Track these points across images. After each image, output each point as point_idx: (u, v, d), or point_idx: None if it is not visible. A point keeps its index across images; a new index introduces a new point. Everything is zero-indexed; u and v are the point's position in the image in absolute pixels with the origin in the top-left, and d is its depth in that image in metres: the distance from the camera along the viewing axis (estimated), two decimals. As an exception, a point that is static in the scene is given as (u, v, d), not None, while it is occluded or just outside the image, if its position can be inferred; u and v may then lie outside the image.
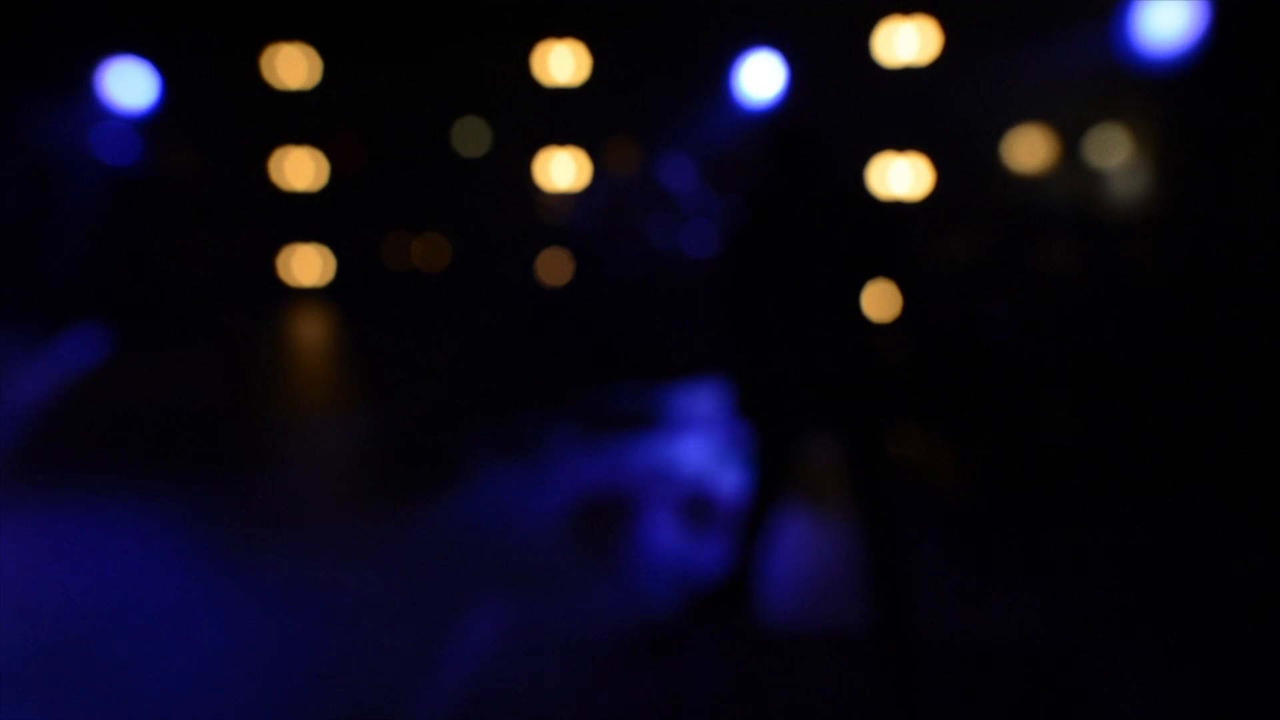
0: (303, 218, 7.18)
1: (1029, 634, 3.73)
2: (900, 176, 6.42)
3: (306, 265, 7.41)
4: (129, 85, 6.78)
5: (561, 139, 6.98)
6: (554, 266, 7.08)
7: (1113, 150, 6.32)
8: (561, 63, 6.76)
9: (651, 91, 6.67)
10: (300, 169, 7.12)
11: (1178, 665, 3.51)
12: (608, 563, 4.29)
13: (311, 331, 7.45)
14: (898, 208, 6.27)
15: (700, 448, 5.50)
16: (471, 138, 7.13)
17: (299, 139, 7.09)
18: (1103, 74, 6.07)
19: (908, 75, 6.31)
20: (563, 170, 7.00)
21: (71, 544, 4.29)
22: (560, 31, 6.66)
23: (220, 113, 7.00)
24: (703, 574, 4.03)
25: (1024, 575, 4.20)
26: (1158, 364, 5.31)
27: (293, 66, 6.97)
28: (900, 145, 6.40)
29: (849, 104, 6.18)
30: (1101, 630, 3.75)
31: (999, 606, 3.95)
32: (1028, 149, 6.39)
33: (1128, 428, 5.12)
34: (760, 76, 6.51)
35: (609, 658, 3.55)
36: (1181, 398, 5.12)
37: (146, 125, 6.86)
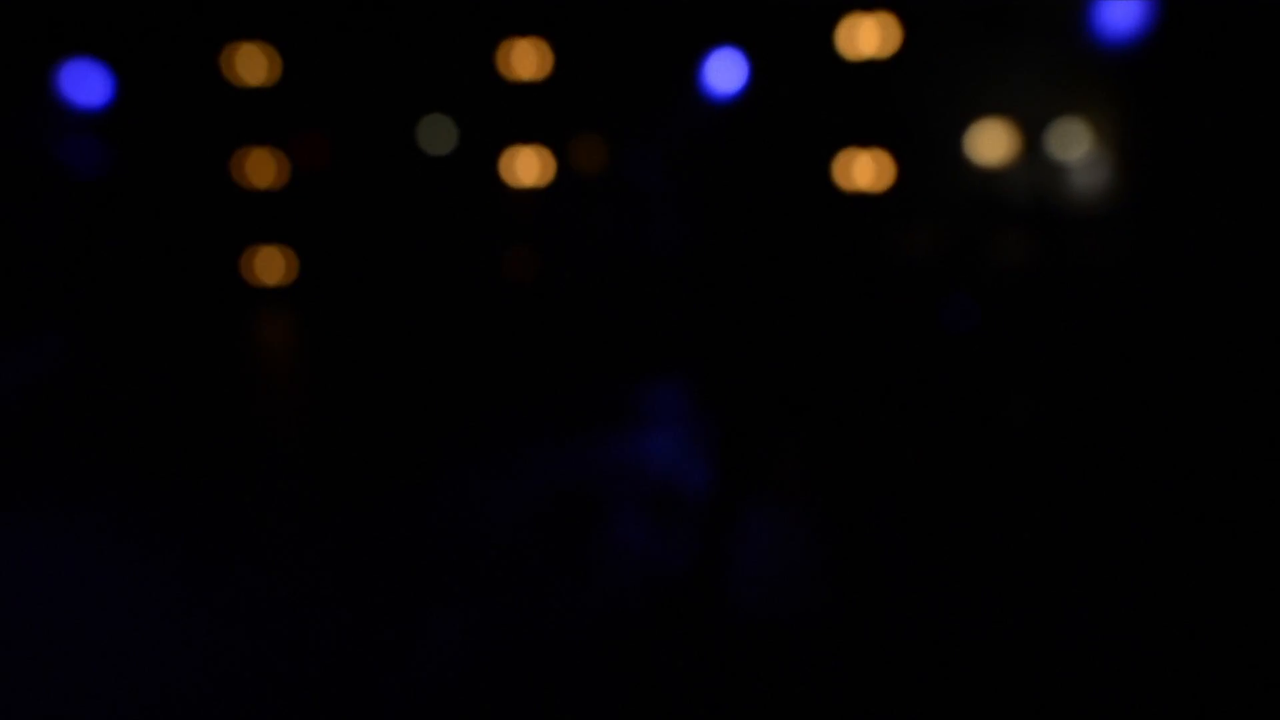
0: (266, 217, 7.14)
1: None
2: (863, 170, 6.46)
3: (270, 266, 7.38)
4: (84, 85, 6.74)
5: (527, 136, 6.98)
6: (520, 264, 7.08)
7: (1075, 143, 6.36)
8: (526, 59, 6.76)
9: (617, 88, 6.67)
10: (261, 168, 7.10)
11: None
12: (576, 560, 4.30)
13: (275, 333, 7.42)
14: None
15: (668, 443, 5.52)
16: (438, 135, 7.12)
17: (260, 138, 7.06)
18: (1065, 66, 6.11)
19: (869, 69, 6.34)
20: (529, 167, 7.00)
21: (23, 554, 4.26)
22: (524, 28, 6.66)
23: (178, 111, 6.95)
24: (671, 570, 4.04)
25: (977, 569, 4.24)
26: (1123, 355, 5.36)
27: (253, 64, 6.95)
28: (862, 139, 6.43)
29: (811, 98, 6.21)
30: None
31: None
32: (990, 142, 6.43)
33: (1092, 419, 5.16)
34: (725, 72, 6.53)
35: (578, 655, 3.56)
36: (1151, 390, 5.16)
37: (103, 125, 6.82)
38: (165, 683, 3.26)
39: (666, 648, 3.49)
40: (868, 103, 6.38)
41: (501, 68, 6.74)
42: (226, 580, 3.99)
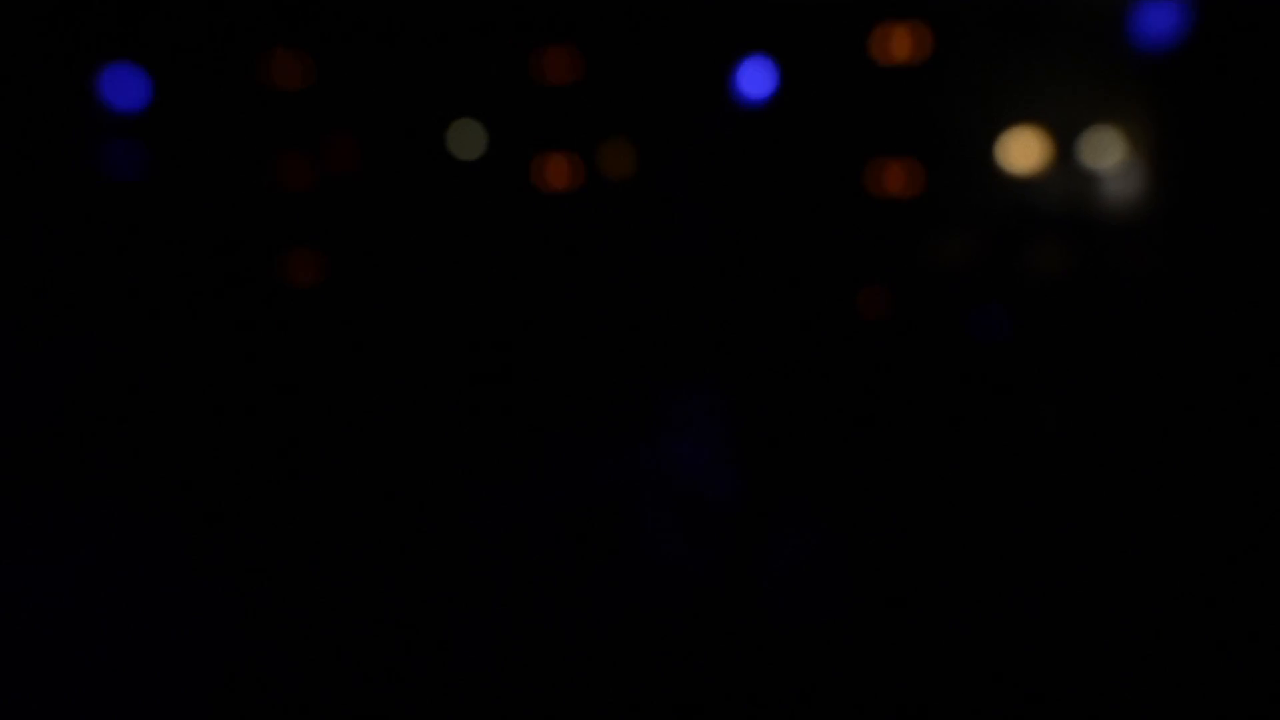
0: (300, 220, 7.16)
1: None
2: (894, 177, 6.45)
3: (304, 267, 7.41)
4: (123, 89, 6.79)
5: (558, 142, 6.99)
6: (548, 268, 7.08)
7: (1108, 151, 6.33)
8: (559, 64, 6.77)
9: (648, 93, 6.68)
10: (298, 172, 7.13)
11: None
12: (606, 566, 4.30)
13: (309, 334, 7.44)
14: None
15: (698, 448, 5.51)
16: (467, 140, 7.14)
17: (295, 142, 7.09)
18: (1099, 73, 6.08)
19: (901, 76, 6.33)
20: (560, 173, 7.01)
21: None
22: (555, 35, 6.67)
23: (215, 115, 6.99)
24: (702, 575, 4.04)
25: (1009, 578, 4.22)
26: (1157, 364, 5.32)
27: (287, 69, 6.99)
28: (894, 146, 6.42)
29: (843, 104, 6.20)
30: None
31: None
32: (1022, 149, 6.40)
33: (1122, 429, 5.13)
34: (756, 78, 6.53)
35: (609, 661, 3.56)
36: (1178, 399, 5.13)
37: (141, 128, 6.86)
38: (184, 684, 3.28)
39: (695, 654, 3.49)
40: (899, 109, 6.36)
41: (533, 73, 6.76)
42: (243, 582, 4.01)
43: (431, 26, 6.69)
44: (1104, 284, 5.95)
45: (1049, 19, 6.13)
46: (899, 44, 6.32)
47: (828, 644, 3.51)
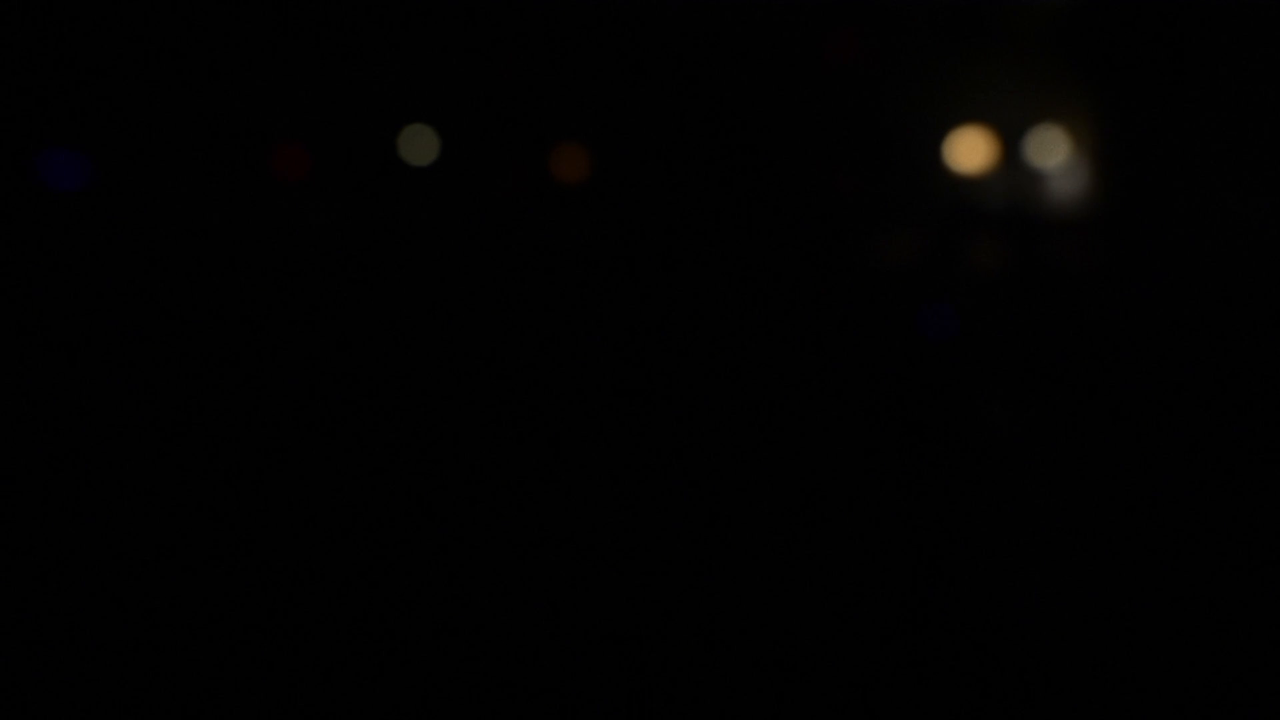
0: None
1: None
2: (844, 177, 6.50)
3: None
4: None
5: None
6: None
7: (1052, 149, 6.41)
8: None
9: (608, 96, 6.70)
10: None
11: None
12: (606, 566, 4.30)
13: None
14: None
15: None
16: (420, 146, 7.15)
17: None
18: (1043, 72, 6.16)
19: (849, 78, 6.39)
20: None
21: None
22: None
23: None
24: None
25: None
26: (1101, 361, 5.39)
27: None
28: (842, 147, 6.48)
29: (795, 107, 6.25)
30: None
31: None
32: (968, 149, 6.47)
33: (1071, 427, 5.19)
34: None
35: (609, 661, 3.57)
36: (1129, 396, 5.20)
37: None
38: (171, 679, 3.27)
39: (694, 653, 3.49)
40: (848, 111, 6.42)
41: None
42: (235, 577, 3.99)
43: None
44: (1050, 280, 6.02)
45: (994, 21, 6.21)
46: (847, 47, 6.37)
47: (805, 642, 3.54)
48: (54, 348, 6.36)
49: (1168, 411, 5.03)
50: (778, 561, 4.25)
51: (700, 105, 6.56)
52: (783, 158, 6.43)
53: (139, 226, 6.77)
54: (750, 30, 6.49)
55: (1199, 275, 5.55)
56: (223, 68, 6.84)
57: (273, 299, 6.68)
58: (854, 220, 6.28)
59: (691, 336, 5.89)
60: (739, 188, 6.53)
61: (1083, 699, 3.41)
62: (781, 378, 5.35)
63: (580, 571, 4.17)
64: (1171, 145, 5.91)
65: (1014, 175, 6.33)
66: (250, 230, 6.85)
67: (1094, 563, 4.17)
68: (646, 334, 6.16)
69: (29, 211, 6.70)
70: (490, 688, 3.33)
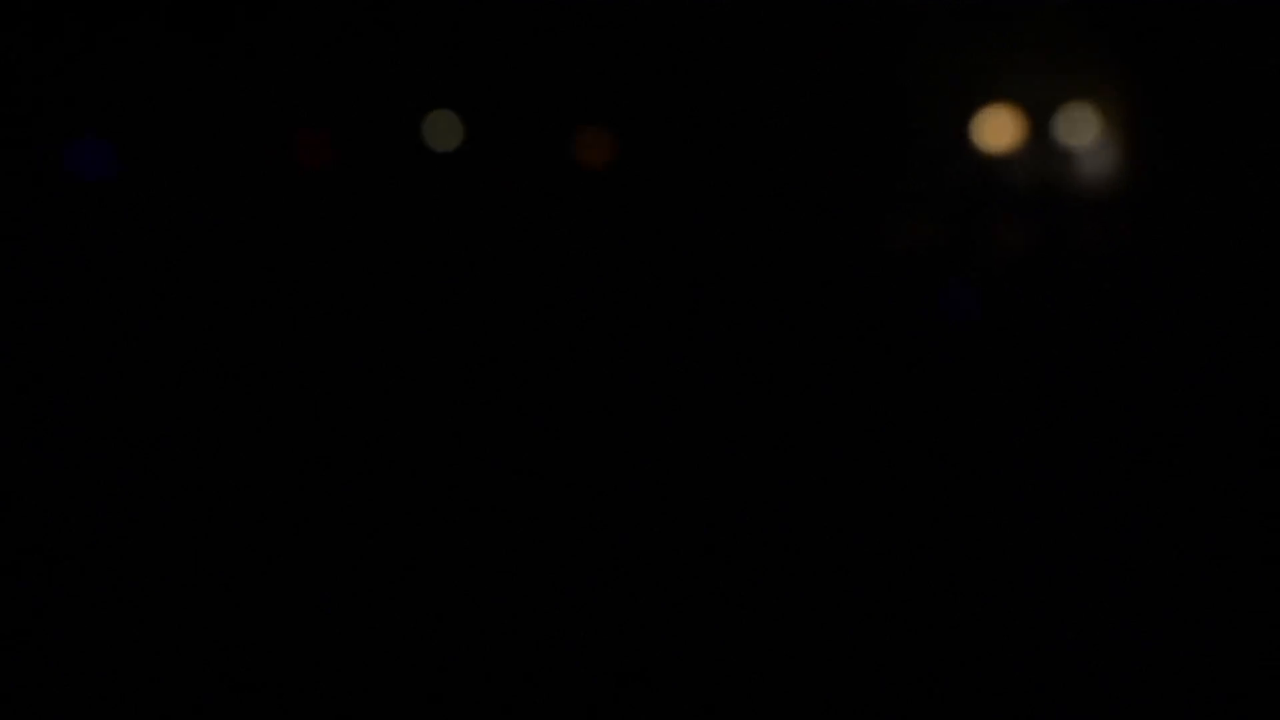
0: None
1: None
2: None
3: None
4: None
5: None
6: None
7: (1082, 129, 6.32)
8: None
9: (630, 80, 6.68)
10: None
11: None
12: (604, 566, 4.28)
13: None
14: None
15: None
16: (444, 131, 7.16)
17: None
18: (1072, 52, 6.07)
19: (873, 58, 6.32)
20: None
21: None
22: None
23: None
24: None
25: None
26: (1128, 343, 5.31)
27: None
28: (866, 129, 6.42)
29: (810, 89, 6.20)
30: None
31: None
32: (995, 128, 6.39)
33: (1095, 409, 5.12)
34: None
35: (609, 661, 3.54)
36: (1154, 380, 5.12)
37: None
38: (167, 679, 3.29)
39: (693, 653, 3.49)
40: (875, 92, 6.35)
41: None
42: (237, 574, 4.01)
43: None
44: (1078, 261, 5.95)
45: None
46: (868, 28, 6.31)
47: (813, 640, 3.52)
48: (87, 333, 6.44)
49: (1196, 393, 4.95)
50: (802, 544, 4.23)
51: (725, 89, 6.52)
52: (807, 140, 6.37)
53: (165, 214, 6.84)
54: (776, 13, 6.44)
55: (1226, 259, 5.46)
56: (248, 57, 6.88)
57: (298, 284, 6.72)
58: (879, 202, 6.23)
59: (715, 318, 5.87)
60: (764, 170, 6.48)
61: (1083, 699, 3.36)
62: (803, 359, 5.31)
63: (592, 551, 4.17)
64: (1203, 125, 5.81)
65: (1042, 155, 6.24)
66: (276, 216, 6.90)
67: (1116, 554, 4.12)
68: (670, 316, 6.14)
69: (57, 202, 6.79)
70: (490, 688, 3.34)
